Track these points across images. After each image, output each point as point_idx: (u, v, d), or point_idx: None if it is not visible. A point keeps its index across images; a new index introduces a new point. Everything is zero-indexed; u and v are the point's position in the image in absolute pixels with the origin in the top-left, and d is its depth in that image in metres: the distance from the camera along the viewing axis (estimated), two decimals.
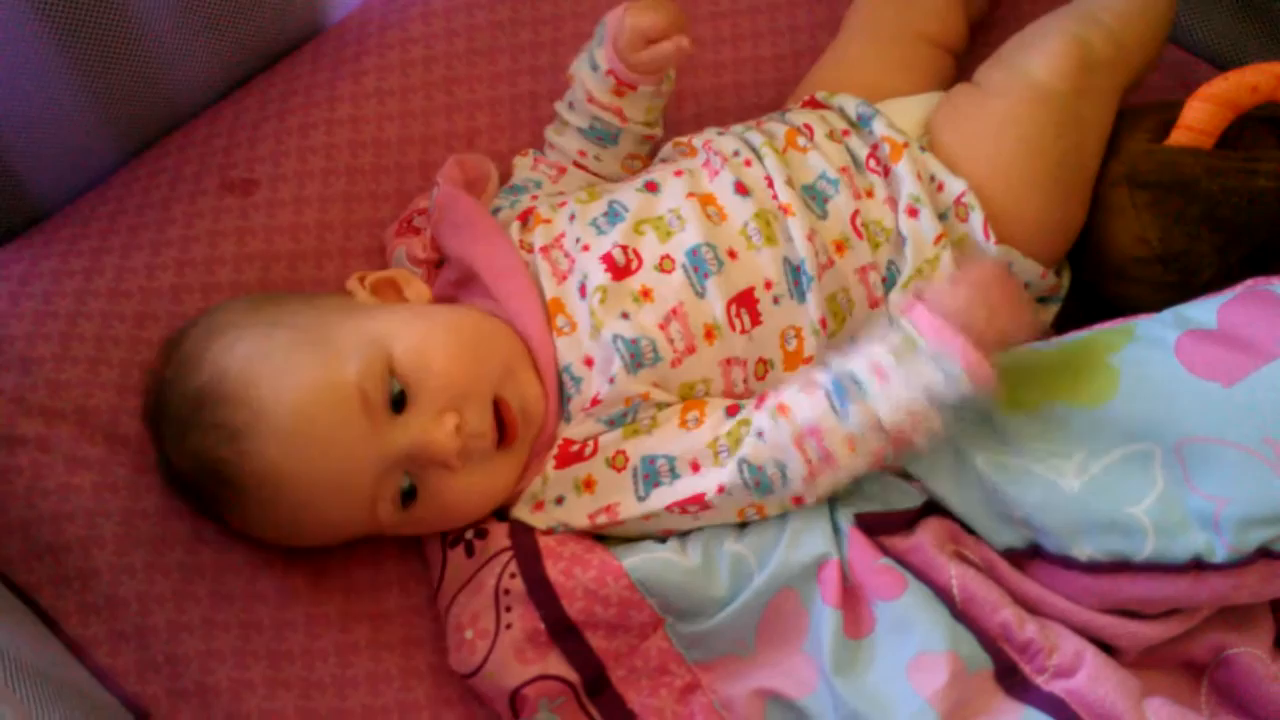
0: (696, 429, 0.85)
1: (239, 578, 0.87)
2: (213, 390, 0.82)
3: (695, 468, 0.85)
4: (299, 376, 0.82)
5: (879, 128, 0.95)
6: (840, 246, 0.90)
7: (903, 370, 0.80)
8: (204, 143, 1.02)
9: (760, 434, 0.83)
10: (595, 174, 1.01)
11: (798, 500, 0.84)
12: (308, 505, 0.83)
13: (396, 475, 0.84)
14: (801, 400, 0.83)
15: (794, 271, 0.89)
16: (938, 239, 0.91)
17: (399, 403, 0.83)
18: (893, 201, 0.92)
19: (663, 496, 0.85)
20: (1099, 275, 0.98)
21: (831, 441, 0.81)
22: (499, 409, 0.86)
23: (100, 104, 0.97)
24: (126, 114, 1.00)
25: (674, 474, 0.85)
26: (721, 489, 0.83)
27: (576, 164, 1.01)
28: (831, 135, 0.95)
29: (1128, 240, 0.94)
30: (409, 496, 0.85)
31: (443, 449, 0.83)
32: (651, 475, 0.85)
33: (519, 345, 0.90)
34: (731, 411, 0.86)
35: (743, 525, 0.86)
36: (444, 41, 1.09)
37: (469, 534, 0.88)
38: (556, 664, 0.83)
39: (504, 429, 0.86)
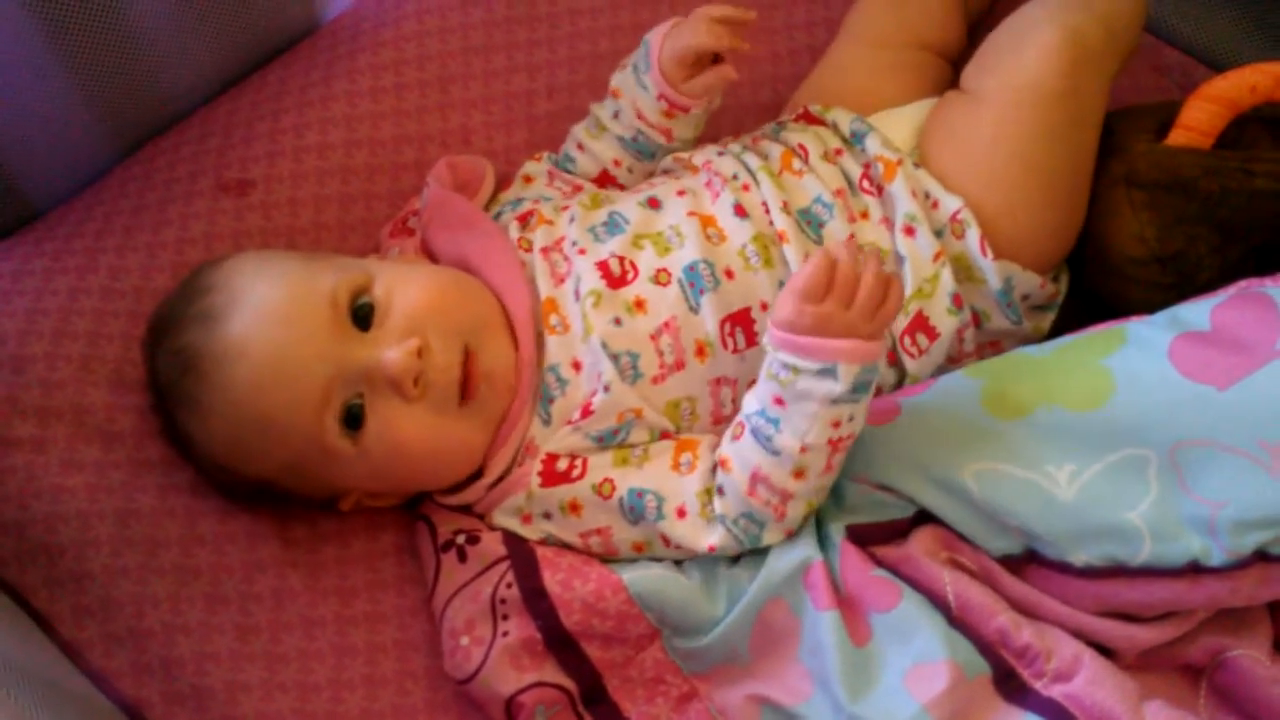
0: (689, 474, 0.85)
1: (234, 579, 0.87)
2: (200, 283, 0.86)
3: (682, 514, 0.84)
4: (280, 275, 0.86)
5: (872, 146, 0.94)
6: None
7: (791, 391, 0.80)
8: (198, 142, 1.01)
9: (720, 490, 0.84)
10: (618, 184, 0.99)
11: (788, 533, 0.84)
12: (258, 390, 0.82)
13: (347, 390, 0.83)
14: (736, 450, 0.83)
15: None
16: (936, 256, 0.90)
17: (366, 319, 0.85)
18: (888, 222, 0.92)
19: (652, 529, 0.85)
20: (1097, 276, 0.98)
21: (779, 480, 0.81)
22: (466, 361, 0.85)
23: (93, 102, 0.97)
24: (120, 113, 0.99)
25: (660, 514, 0.85)
26: (713, 549, 0.84)
27: (605, 172, 0.99)
28: (826, 156, 0.94)
29: (1126, 240, 0.94)
30: (355, 418, 0.84)
31: (399, 367, 0.82)
32: (638, 509, 0.85)
33: (500, 314, 0.89)
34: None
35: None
36: (438, 39, 1.08)
37: (460, 539, 0.88)
38: (552, 672, 0.83)
39: (466, 382, 0.85)
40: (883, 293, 0.79)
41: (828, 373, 0.79)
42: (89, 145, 0.99)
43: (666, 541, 0.85)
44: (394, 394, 0.84)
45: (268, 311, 0.83)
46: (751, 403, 0.83)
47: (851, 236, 0.91)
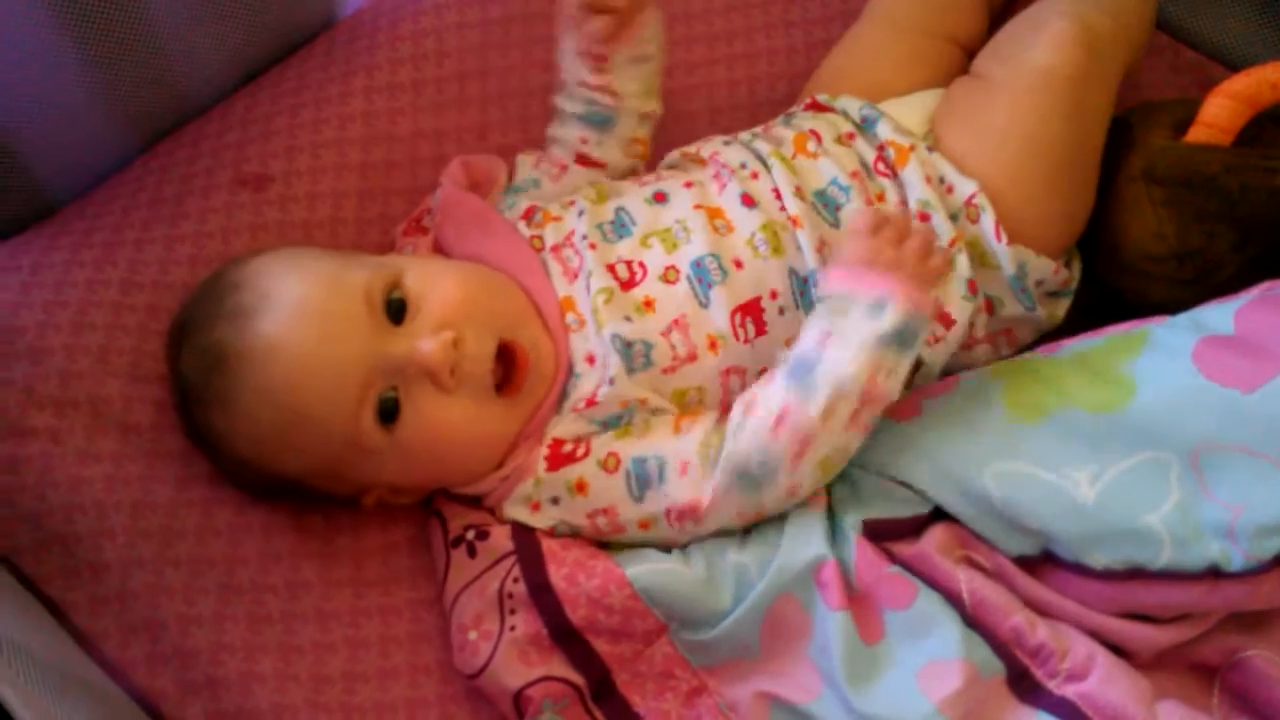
0: (689, 434, 0.85)
1: (249, 570, 0.87)
2: (230, 281, 0.86)
3: (684, 470, 0.84)
4: (312, 271, 0.86)
5: (883, 131, 0.94)
6: None
7: (841, 325, 0.81)
8: (217, 137, 1.02)
9: (738, 431, 0.83)
10: (597, 162, 0.99)
11: (793, 490, 0.83)
12: (295, 389, 0.82)
13: (383, 383, 0.84)
14: (765, 390, 0.83)
15: (801, 283, 0.89)
16: (951, 242, 0.90)
17: (400, 313, 0.85)
18: (904, 205, 0.92)
19: (657, 499, 0.85)
20: (1115, 271, 0.98)
21: (802, 419, 0.81)
22: (511, 351, 0.86)
23: (111, 97, 0.97)
24: (138, 107, 1.00)
25: (663, 476, 0.84)
26: (715, 491, 0.83)
27: (579, 155, 0.99)
28: (839, 140, 0.95)
29: (1144, 236, 0.94)
30: (391, 411, 0.84)
31: (435, 359, 0.83)
32: (642, 476, 0.85)
33: (533, 309, 0.90)
34: (723, 420, 0.86)
35: (745, 535, 0.86)
36: (456, 35, 1.09)
37: (470, 534, 0.88)
38: (561, 667, 0.83)
39: (514, 370, 0.86)
40: (930, 246, 0.83)
41: (878, 308, 0.80)
42: (107, 140, 1.00)
43: (669, 514, 0.85)
44: (430, 385, 0.84)
45: (300, 308, 0.83)
46: (793, 347, 0.84)
47: None
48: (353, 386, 0.83)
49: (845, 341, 0.81)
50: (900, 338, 0.81)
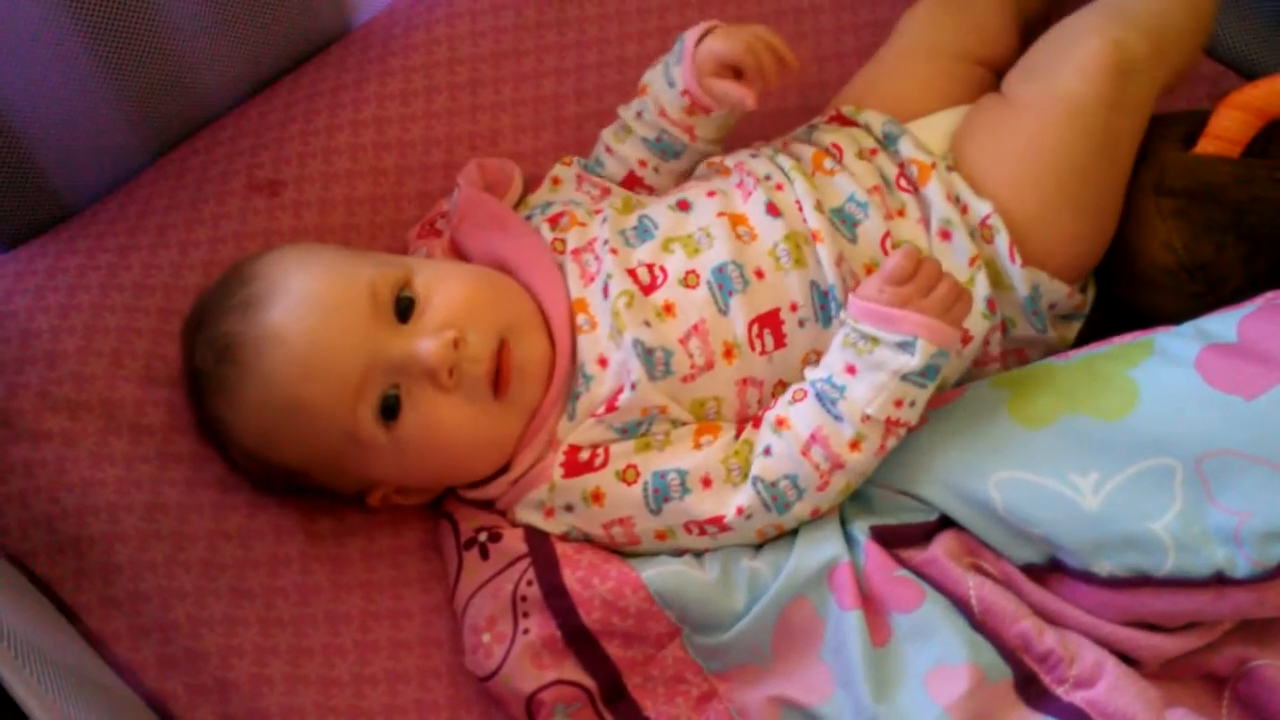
0: (709, 449, 0.86)
1: (260, 573, 0.87)
2: (242, 274, 0.87)
3: (707, 483, 0.85)
4: (321, 265, 0.87)
5: (905, 149, 0.94)
6: (870, 270, 0.90)
7: (867, 360, 0.82)
8: (231, 143, 1.02)
9: (767, 450, 0.84)
10: (646, 186, 1.00)
11: (815, 512, 0.85)
12: (295, 377, 0.83)
13: (383, 381, 0.84)
14: (797, 411, 0.84)
15: (821, 296, 0.89)
16: (972, 261, 0.90)
17: (406, 312, 0.85)
18: (925, 222, 0.92)
19: (676, 512, 0.85)
20: (1124, 284, 0.98)
21: (836, 445, 0.82)
22: (500, 354, 0.86)
23: (127, 102, 0.98)
24: (153, 113, 1.00)
25: (684, 489, 0.85)
26: (741, 511, 0.84)
27: (630, 174, 1.00)
28: (861, 154, 0.94)
29: (1154, 248, 0.94)
30: (391, 409, 0.84)
31: (436, 357, 0.83)
32: (662, 490, 0.85)
33: (536, 313, 0.90)
34: (741, 433, 0.86)
35: (759, 544, 0.87)
36: (469, 43, 1.09)
37: (482, 536, 0.88)
38: (573, 670, 0.83)
39: (499, 374, 0.86)
40: (956, 295, 0.83)
41: (906, 346, 0.81)
42: (123, 144, 1.00)
43: (689, 527, 0.85)
44: (430, 384, 0.84)
45: (307, 300, 0.84)
46: (818, 371, 0.85)
47: (887, 234, 0.91)
48: (352, 378, 0.83)
49: (870, 377, 0.82)
50: (925, 373, 0.82)
